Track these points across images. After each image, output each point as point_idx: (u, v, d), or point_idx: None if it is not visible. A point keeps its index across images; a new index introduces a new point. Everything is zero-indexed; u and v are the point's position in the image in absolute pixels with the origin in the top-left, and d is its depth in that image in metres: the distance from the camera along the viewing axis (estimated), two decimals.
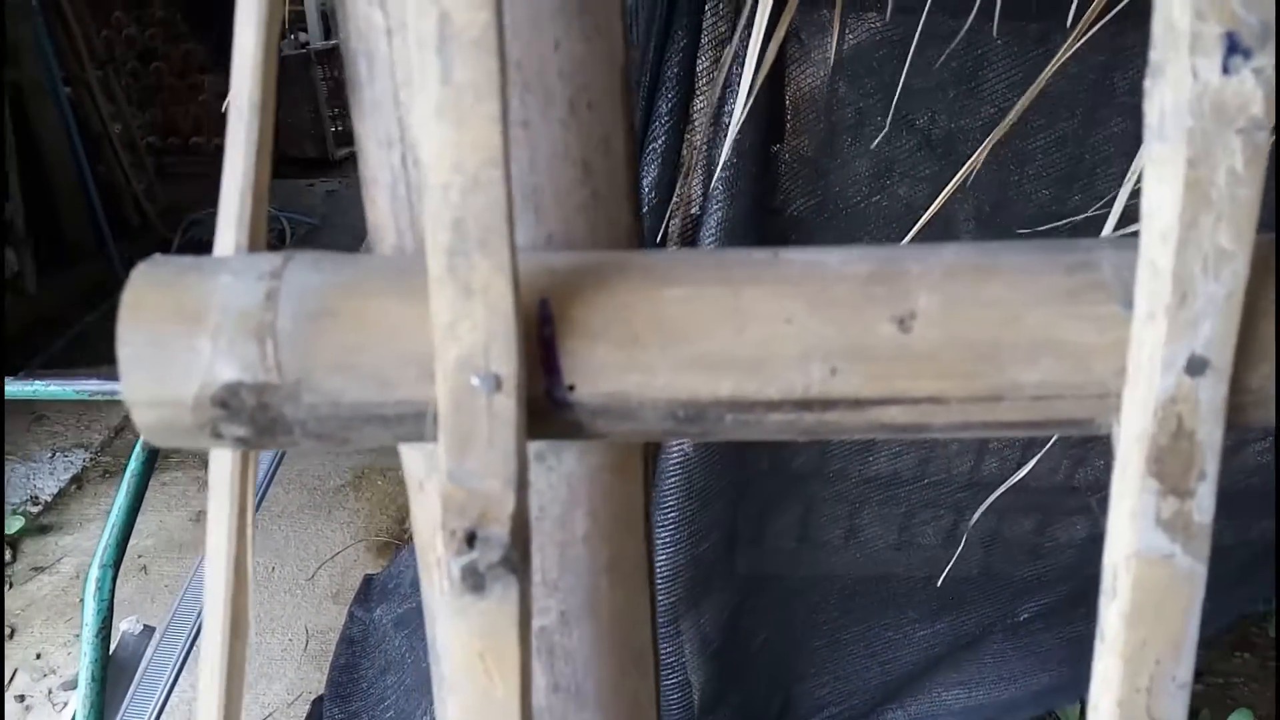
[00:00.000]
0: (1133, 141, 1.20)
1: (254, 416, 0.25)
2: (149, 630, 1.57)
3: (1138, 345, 0.24)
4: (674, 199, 1.36)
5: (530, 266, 0.26)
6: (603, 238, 0.31)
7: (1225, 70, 0.23)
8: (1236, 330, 0.24)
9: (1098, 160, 1.27)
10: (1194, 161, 0.23)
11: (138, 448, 1.37)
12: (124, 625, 1.57)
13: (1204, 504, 0.25)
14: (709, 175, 1.42)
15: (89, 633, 1.29)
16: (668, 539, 1.34)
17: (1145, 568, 0.25)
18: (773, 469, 1.43)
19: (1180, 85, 0.23)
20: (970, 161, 0.85)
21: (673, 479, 1.30)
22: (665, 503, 1.32)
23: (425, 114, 0.23)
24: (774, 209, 1.50)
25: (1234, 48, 0.23)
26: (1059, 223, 1.21)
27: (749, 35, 1.19)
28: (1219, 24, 0.22)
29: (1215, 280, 0.23)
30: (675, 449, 1.29)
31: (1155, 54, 0.23)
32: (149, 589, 2.34)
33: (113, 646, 1.54)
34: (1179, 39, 0.23)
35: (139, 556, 2.41)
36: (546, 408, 0.26)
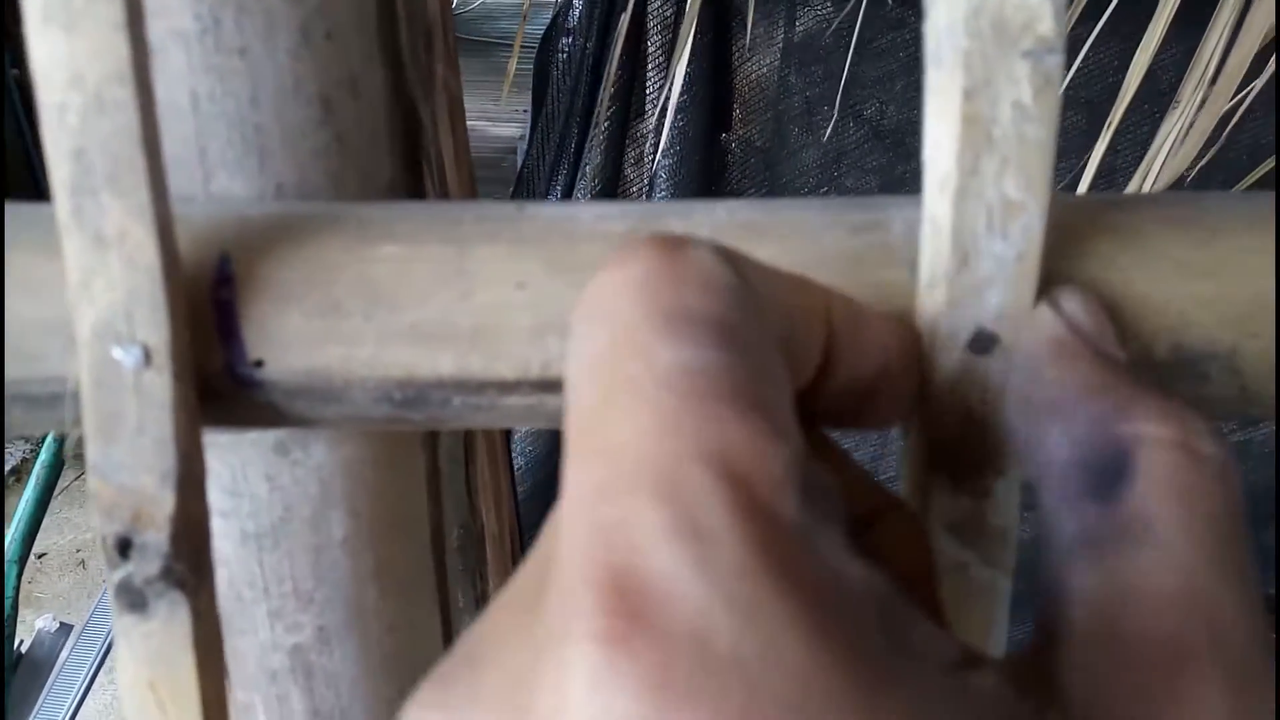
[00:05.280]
0: (1083, 137, 1.16)
1: None
2: (66, 628, 1.51)
3: (920, 318, 0.20)
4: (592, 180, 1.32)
5: (214, 216, 0.22)
6: (352, 192, 0.26)
7: None
8: (1032, 300, 0.20)
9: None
10: (971, 92, 0.18)
11: (49, 439, 1.31)
12: (39, 623, 1.51)
13: (1003, 505, 0.21)
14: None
15: None
16: None
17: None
18: None
19: None
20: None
21: None
22: None
23: (32, 14, 0.18)
24: (721, 197, 1.46)
25: None
26: None
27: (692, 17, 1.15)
28: None
29: (1002, 238, 0.19)
30: None
31: None
32: (86, 584, 2.26)
33: (26, 644, 1.48)
34: None
35: (77, 551, 2.34)
36: (228, 387, 0.21)
